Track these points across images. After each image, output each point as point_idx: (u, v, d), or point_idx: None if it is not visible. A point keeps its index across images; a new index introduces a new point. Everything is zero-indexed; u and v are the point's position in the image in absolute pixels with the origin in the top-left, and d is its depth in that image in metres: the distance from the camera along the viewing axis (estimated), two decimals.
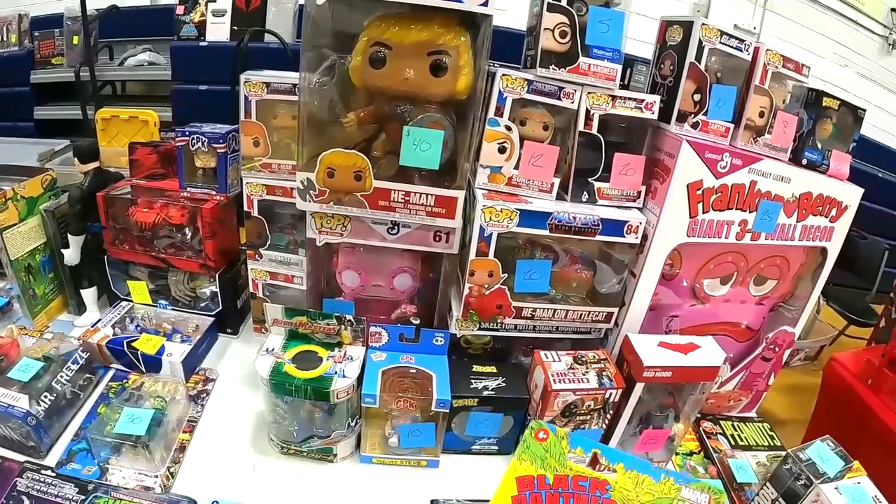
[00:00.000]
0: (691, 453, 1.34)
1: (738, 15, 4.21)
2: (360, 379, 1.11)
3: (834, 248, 1.33)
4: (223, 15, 2.98)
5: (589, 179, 1.16)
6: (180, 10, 3.06)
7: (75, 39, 3.57)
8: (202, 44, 3.06)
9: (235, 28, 2.96)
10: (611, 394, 1.13)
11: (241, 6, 2.95)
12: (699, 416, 1.43)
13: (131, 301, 1.46)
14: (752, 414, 1.53)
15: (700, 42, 1.12)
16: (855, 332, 3.47)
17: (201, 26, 3.03)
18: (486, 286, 1.15)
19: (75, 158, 1.39)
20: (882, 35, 4.83)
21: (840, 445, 1.17)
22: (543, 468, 0.91)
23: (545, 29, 1.06)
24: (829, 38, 4.63)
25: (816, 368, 2.22)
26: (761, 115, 1.22)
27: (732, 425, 1.44)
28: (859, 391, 1.92)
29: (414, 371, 1.14)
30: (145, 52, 3.69)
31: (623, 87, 1.15)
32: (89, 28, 3.19)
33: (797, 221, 1.25)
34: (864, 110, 1.36)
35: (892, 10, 4.72)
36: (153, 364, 1.29)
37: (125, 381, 1.28)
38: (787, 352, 1.43)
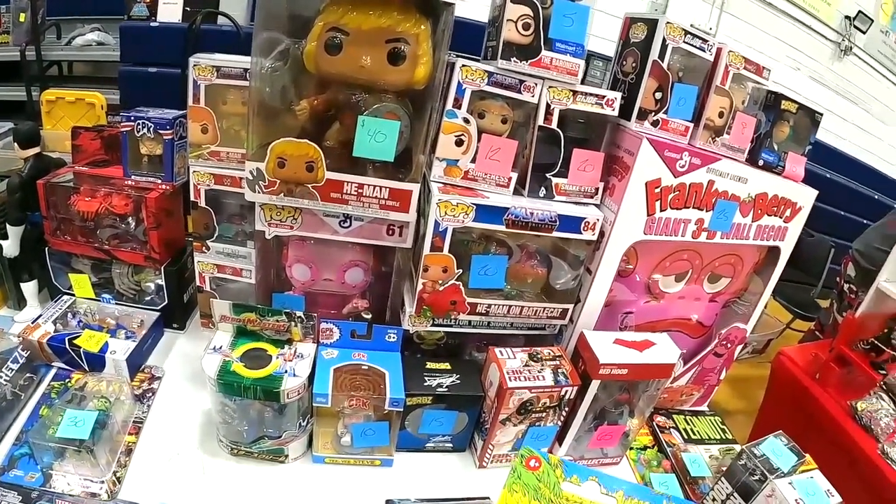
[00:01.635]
0: (645, 448, 1.35)
1: (695, 16, 4.28)
2: (311, 377, 1.07)
3: (787, 247, 1.35)
4: None
5: (547, 175, 1.14)
6: None
7: (22, 16, 3.40)
8: (153, 24, 2.93)
9: (188, 9, 2.86)
10: (567, 391, 1.12)
11: None
12: (652, 410, 1.44)
13: (73, 295, 1.38)
14: (704, 408, 1.55)
15: (664, 40, 1.11)
16: (801, 325, 3.61)
17: (153, 6, 2.92)
18: (441, 282, 1.13)
19: (15, 143, 1.31)
20: (835, 41, 4.98)
21: (792, 440, 1.18)
22: (537, 499, 0.87)
23: (508, 20, 1.04)
24: (783, 41, 4.75)
25: (763, 361, 2.29)
26: (721, 115, 1.22)
27: (685, 419, 1.45)
28: (806, 384, 1.97)
29: (366, 369, 1.11)
30: (94, 31, 3.54)
31: (583, 82, 1.14)
32: (37, 5, 3.05)
33: (752, 221, 1.26)
34: (821, 114, 1.39)
35: (846, 17, 4.87)
36: (96, 362, 1.23)
37: (68, 380, 1.21)
38: (739, 347, 1.45)
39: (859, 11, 4.87)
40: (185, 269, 1.42)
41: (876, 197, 5.13)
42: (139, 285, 1.42)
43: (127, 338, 1.30)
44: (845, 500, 1.69)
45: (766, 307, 3.43)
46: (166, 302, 1.39)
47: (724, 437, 1.44)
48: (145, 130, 1.28)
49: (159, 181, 1.32)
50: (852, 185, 5.16)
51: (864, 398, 1.84)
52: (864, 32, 4.98)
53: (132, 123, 1.27)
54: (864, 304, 1.89)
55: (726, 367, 1.47)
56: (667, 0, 4.13)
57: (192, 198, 1.27)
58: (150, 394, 1.24)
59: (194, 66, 1.17)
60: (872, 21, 4.96)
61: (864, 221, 3.16)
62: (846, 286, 2.85)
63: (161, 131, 1.28)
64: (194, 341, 1.41)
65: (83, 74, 3.87)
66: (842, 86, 5.21)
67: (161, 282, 1.37)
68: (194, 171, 1.24)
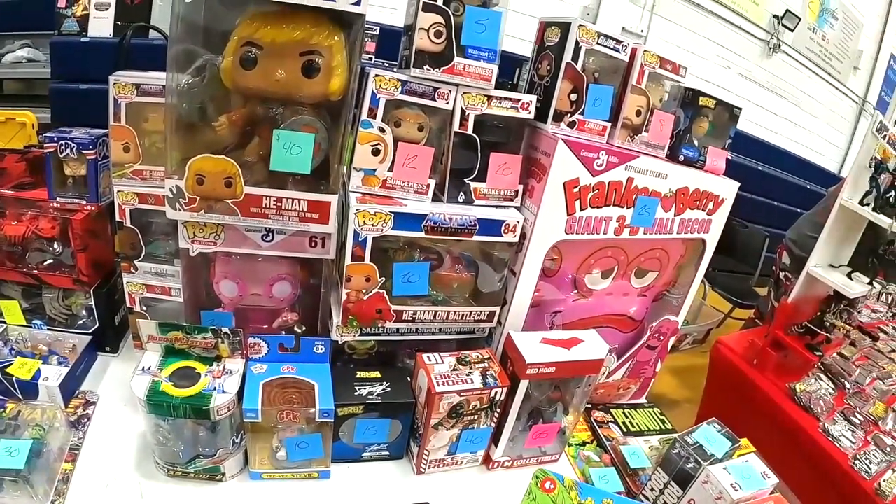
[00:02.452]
0: (584, 443, 1.37)
1: (627, 18, 4.37)
2: (241, 393, 1.07)
3: (712, 238, 1.38)
4: (106, 9, 2.80)
5: (465, 180, 1.15)
6: (62, 2, 2.84)
7: None
8: (83, 39, 2.86)
9: (119, 23, 2.79)
10: (496, 392, 1.13)
11: (125, 0, 2.80)
12: (590, 405, 1.47)
13: (4, 322, 1.35)
14: (643, 400, 1.57)
15: (577, 43, 1.13)
16: (740, 314, 3.71)
17: (83, 20, 2.83)
18: (364, 291, 1.13)
19: None
20: (764, 39, 5.15)
21: (727, 426, 1.21)
22: None
23: (420, 29, 1.05)
24: (714, 41, 4.91)
25: (705, 351, 2.34)
26: (638, 113, 1.25)
27: (623, 413, 1.48)
28: (745, 371, 2.03)
29: (296, 381, 1.11)
30: (24, 48, 3.41)
31: (512, 86, 1.15)
32: None
33: (675, 215, 1.30)
34: (740, 109, 1.42)
35: (774, 16, 5.04)
36: (30, 390, 1.19)
37: (1, 410, 1.18)
38: (673, 338, 1.48)
39: (787, 10, 5.05)
40: (115, 291, 1.39)
41: (808, 186, 5.37)
42: (70, 309, 1.39)
43: (59, 363, 1.27)
44: (791, 480, 1.75)
45: (705, 298, 3.55)
46: (97, 325, 1.36)
47: (663, 427, 1.47)
48: (68, 151, 1.25)
49: (84, 202, 1.30)
50: (784, 177, 5.39)
51: (802, 380, 1.90)
52: (791, 30, 5.16)
53: (55, 144, 1.24)
54: (796, 289, 1.95)
55: (661, 359, 1.50)
56: (598, 4, 4.21)
57: (117, 218, 1.25)
58: (86, 419, 1.22)
59: (114, 84, 1.16)
60: (800, 19, 5.14)
61: (798, 210, 3.29)
62: (782, 274, 2.94)
63: (84, 151, 1.25)
64: (128, 364, 1.37)
65: (14, 92, 3.70)
66: (772, 82, 5.40)
67: (91, 304, 1.34)
68: (118, 191, 1.22)
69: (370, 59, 3.11)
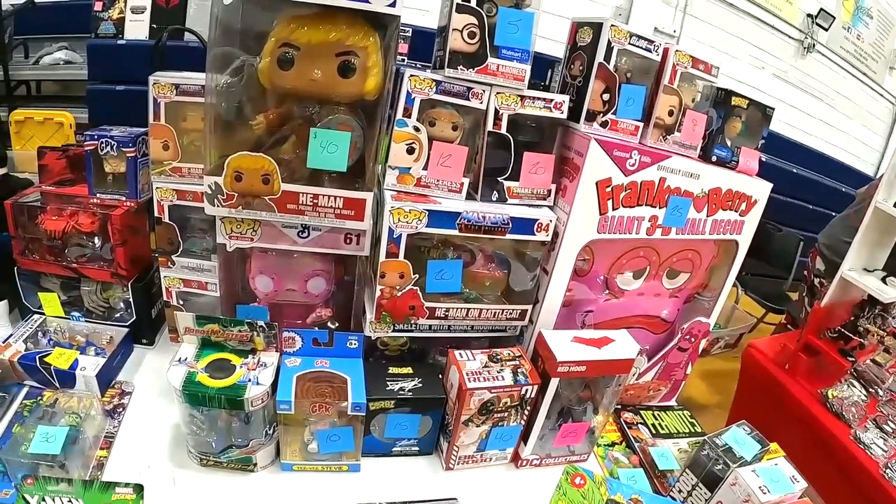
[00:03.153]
0: (613, 444, 1.37)
1: (659, 18, 4.33)
2: (274, 385, 1.09)
3: (745, 240, 1.37)
4: (142, 12, 2.85)
5: (499, 179, 1.16)
6: (98, 6, 2.90)
7: None
8: (120, 42, 2.93)
9: (154, 26, 2.83)
10: (527, 390, 1.14)
11: (160, 3, 2.83)
12: (620, 407, 1.47)
13: (44, 314, 1.39)
14: (673, 402, 1.56)
15: (609, 43, 1.13)
16: (773, 319, 3.65)
17: (120, 23, 2.89)
18: (398, 287, 1.15)
19: None
20: (797, 39, 5.06)
21: (756, 429, 1.20)
22: None
23: (454, 30, 1.06)
24: (746, 41, 4.82)
25: (736, 355, 2.32)
26: (670, 113, 1.25)
27: (653, 414, 1.47)
28: (777, 375, 2.00)
29: (329, 375, 1.13)
30: (61, 50, 3.50)
31: (544, 87, 1.16)
32: (4, 24, 3.03)
33: (707, 216, 1.29)
34: (773, 109, 1.40)
35: (808, 15, 4.95)
36: (67, 379, 1.24)
37: (39, 398, 1.22)
38: (704, 341, 1.47)
39: (821, 9, 4.95)
40: (153, 285, 1.43)
41: (843, 189, 5.23)
42: (108, 302, 1.42)
43: (97, 354, 1.31)
44: (820, 487, 1.72)
45: (737, 303, 3.50)
46: (134, 318, 1.40)
47: (693, 430, 1.46)
48: (109, 149, 1.29)
49: (124, 198, 1.34)
50: (819, 179, 5.27)
51: (834, 386, 1.87)
52: (826, 30, 5.06)
53: (96, 142, 1.28)
54: (829, 294, 1.92)
55: (692, 362, 1.49)
56: (630, 4, 4.18)
57: (156, 214, 1.28)
58: (121, 409, 1.25)
59: (154, 84, 1.19)
60: (834, 18, 5.04)
61: (833, 214, 3.23)
62: (816, 280, 2.89)
63: (124, 149, 1.29)
64: (163, 356, 1.41)
65: (52, 94, 3.82)
66: (806, 82, 5.30)
67: (129, 298, 1.38)
68: (157, 188, 1.25)
69: (403, 60, 3.12)
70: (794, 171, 4.99)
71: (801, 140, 5.35)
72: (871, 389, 1.95)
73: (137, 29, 2.86)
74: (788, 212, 4.38)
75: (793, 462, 1.17)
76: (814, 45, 5.09)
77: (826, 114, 5.56)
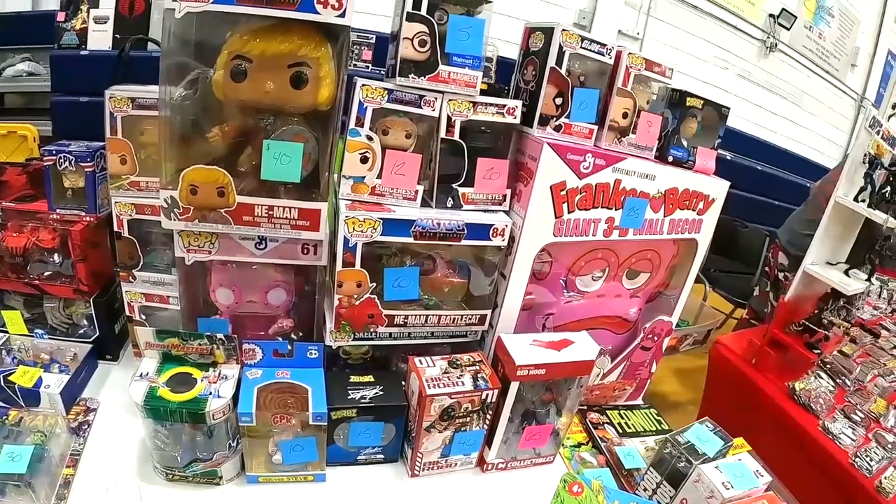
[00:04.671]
0: (579, 444, 1.38)
1: (622, 21, 4.37)
2: (236, 398, 1.09)
3: (704, 239, 1.39)
4: (105, 22, 2.81)
5: (453, 185, 1.17)
6: (61, 16, 2.85)
7: None
8: (83, 53, 2.87)
9: (118, 36, 2.80)
10: (487, 395, 1.14)
11: (124, 13, 2.80)
12: (586, 407, 1.48)
13: (7, 332, 1.37)
14: (639, 401, 1.58)
15: (561, 47, 1.14)
16: (741, 314, 3.67)
17: (83, 34, 2.83)
18: (356, 296, 1.15)
19: None
20: (760, 39, 5.15)
21: (724, 425, 1.21)
22: None
23: (404, 38, 1.07)
24: (710, 42, 4.90)
25: (706, 352, 2.34)
26: (625, 115, 1.26)
27: (619, 414, 1.48)
28: (744, 370, 2.02)
29: (290, 386, 1.13)
30: (24, 61, 3.45)
31: (509, 92, 1.17)
32: None
33: (665, 216, 1.31)
34: (729, 108, 1.42)
35: (770, 15, 5.04)
36: (31, 397, 1.22)
37: (4, 417, 1.20)
38: (668, 338, 1.48)
39: (783, 9, 5.04)
40: (115, 300, 1.41)
41: (808, 185, 5.29)
42: (71, 318, 1.41)
43: (61, 371, 1.30)
44: (791, 479, 1.74)
45: (705, 299, 3.54)
46: (98, 334, 1.39)
47: (660, 428, 1.47)
48: (67, 164, 1.28)
49: (84, 213, 1.33)
50: (785, 176, 5.35)
51: (801, 378, 1.90)
52: (788, 29, 5.16)
53: (54, 157, 1.28)
54: (793, 288, 1.95)
55: (656, 360, 1.51)
56: (594, 8, 4.22)
57: (115, 228, 1.28)
58: (86, 426, 1.24)
59: (110, 98, 1.18)
60: (796, 18, 5.14)
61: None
62: (780, 274, 2.94)
63: (82, 164, 1.28)
64: (128, 371, 1.37)
65: (15, 106, 3.72)
66: (770, 81, 5.40)
67: (92, 313, 1.37)
68: (116, 202, 1.24)
69: (367, 67, 3.13)
70: (760, 168, 5.08)
71: (766, 138, 5.45)
72: (838, 380, 1.98)
73: (101, 39, 2.81)
74: (755, 208, 4.44)
75: (762, 456, 1.19)
76: (776, 45, 5.20)
77: (790, 112, 5.68)
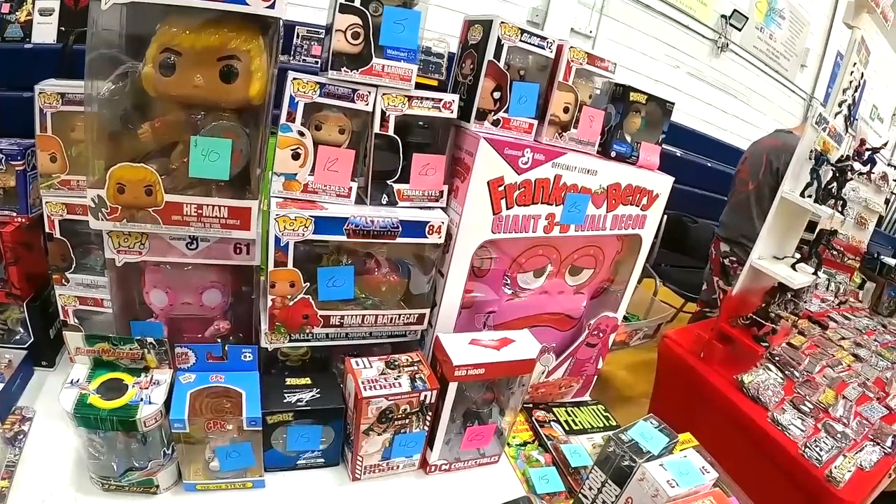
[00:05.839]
0: (525, 443, 1.36)
1: (575, 19, 4.40)
2: (169, 403, 1.05)
3: (648, 234, 1.39)
4: (50, 14, 2.72)
5: (388, 182, 1.15)
6: (6, 8, 2.73)
7: None
8: (27, 46, 2.76)
9: (63, 28, 2.71)
10: (426, 396, 1.13)
11: (69, 4, 2.69)
12: (531, 405, 1.47)
13: None
14: (587, 398, 1.58)
15: (499, 40, 1.13)
16: (692, 308, 3.77)
17: (27, 26, 2.74)
18: (290, 297, 1.12)
19: None
20: (712, 39, 5.24)
21: (672, 420, 1.20)
22: None
23: (337, 30, 1.04)
24: (662, 41, 4.96)
25: (656, 345, 2.36)
26: (566, 110, 1.25)
27: (566, 411, 1.48)
28: (693, 364, 2.04)
29: (224, 390, 1.10)
30: None
31: None
32: None
33: (607, 212, 1.30)
34: (673, 103, 1.42)
35: (722, 16, 5.13)
36: None
37: None
38: (614, 334, 1.48)
39: (734, 10, 5.14)
40: (49, 304, 1.36)
41: None
42: (6, 324, 1.36)
43: None
44: (742, 471, 1.76)
45: (656, 293, 3.61)
46: (32, 339, 1.34)
47: (607, 424, 1.47)
48: None
49: (15, 214, 1.27)
50: (734, 172, 5.46)
51: (749, 371, 1.92)
52: (739, 30, 5.26)
53: None
54: (741, 282, 1.97)
55: (602, 357, 1.51)
56: (547, 5, 4.23)
57: (46, 229, 1.23)
58: (22, 435, 1.19)
59: (39, 93, 1.15)
60: (747, 19, 5.23)
61: None
62: (726, 260, 3.03)
63: (12, 162, 1.23)
64: (64, 378, 1.36)
65: None
66: (721, 80, 5.50)
67: (25, 318, 1.32)
68: (46, 202, 1.20)
69: (316, 62, 3.08)
70: (710, 164, 5.20)
71: (716, 135, 5.57)
72: (787, 372, 2.02)
73: (45, 32, 2.72)
74: (704, 204, 4.56)
75: (712, 449, 1.18)
76: (727, 45, 5.29)
77: (740, 110, 5.80)
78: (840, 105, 2.04)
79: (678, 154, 4.76)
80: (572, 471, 1.30)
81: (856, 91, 2.12)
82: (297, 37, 3.50)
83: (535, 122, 1.22)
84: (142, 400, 1.04)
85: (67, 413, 1.01)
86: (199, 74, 0.99)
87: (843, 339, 2.50)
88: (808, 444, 1.75)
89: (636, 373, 3.32)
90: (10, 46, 2.80)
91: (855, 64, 2.01)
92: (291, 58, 3.49)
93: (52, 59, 2.50)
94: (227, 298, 1.22)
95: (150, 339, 1.09)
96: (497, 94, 1.17)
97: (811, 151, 1.86)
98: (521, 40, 1.15)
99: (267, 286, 1.12)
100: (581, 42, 4.41)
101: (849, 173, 1.98)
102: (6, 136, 1.32)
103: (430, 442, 1.21)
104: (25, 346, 1.34)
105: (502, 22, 1.12)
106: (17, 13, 2.78)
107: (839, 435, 1.82)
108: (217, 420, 1.06)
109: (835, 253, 2.95)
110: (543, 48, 1.19)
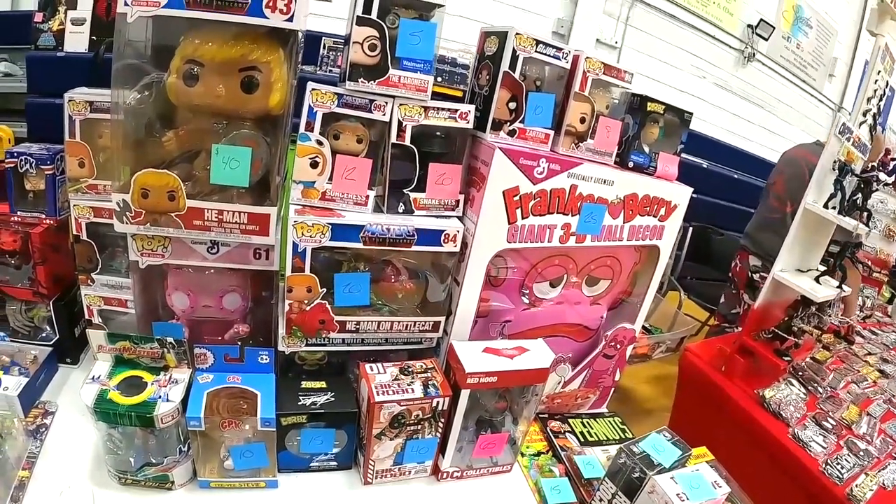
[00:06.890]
0: (539, 454, 1.36)
1: (601, 30, 4.40)
2: (186, 402, 1.08)
3: (666, 245, 1.38)
4: (82, 24, 2.80)
5: (405, 190, 1.16)
6: (39, 17, 2.82)
7: None
8: (59, 54, 2.82)
9: (94, 38, 2.79)
10: (438, 402, 1.14)
11: (101, 15, 2.78)
12: (547, 415, 1.47)
13: None
14: (603, 409, 1.57)
15: (514, 51, 1.14)
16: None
17: (60, 35, 2.80)
18: (307, 301, 1.15)
19: None
20: (738, 49, 5.20)
21: (691, 434, 1.20)
22: None
23: (354, 42, 1.07)
24: (688, 51, 4.94)
25: (678, 359, 2.33)
26: (582, 120, 1.25)
27: (582, 422, 1.47)
28: (714, 378, 2.01)
29: (241, 391, 1.12)
30: (1, 62, 3.46)
31: None
32: None
33: (624, 222, 1.30)
34: (691, 113, 1.41)
35: (748, 25, 5.09)
36: None
37: None
38: (632, 346, 1.47)
39: (761, 20, 5.09)
40: (75, 303, 1.41)
41: None
42: (33, 321, 1.41)
43: (20, 374, 1.29)
44: (762, 488, 1.73)
45: (680, 307, 3.56)
46: (57, 337, 1.38)
47: (623, 436, 1.46)
48: (28, 166, 1.28)
49: (44, 216, 1.33)
50: (759, 184, 5.36)
51: (771, 386, 1.89)
52: (766, 39, 5.21)
53: (16, 160, 1.28)
54: (763, 295, 1.94)
55: (620, 368, 1.50)
56: (573, 17, 4.23)
57: (73, 231, 1.27)
58: (44, 429, 1.23)
59: (68, 101, 1.19)
60: (774, 28, 5.18)
61: None
62: (756, 275, 2.95)
63: (42, 167, 1.28)
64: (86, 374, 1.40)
65: None
66: (747, 91, 5.44)
67: (52, 316, 1.36)
68: (74, 205, 1.25)
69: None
70: (736, 176, 5.09)
71: (742, 146, 5.48)
72: (809, 387, 1.98)
73: (77, 41, 2.78)
74: (729, 216, 4.48)
75: (731, 464, 1.17)
76: (754, 55, 5.25)
77: (767, 120, 5.72)
78: (864, 114, 2.00)
79: (704, 165, 4.70)
80: (585, 482, 1.30)
81: (881, 100, 2.07)
82: (324, 48, 3.55)
83: (552, 133, 1.23)
84: (160, 397, 1.07)
85: (88, 407, 1.05)
86: (221, 85, 1.02)
87: (870, 354, 2.44)
88: (829, 461, 1.72)
89: (658, 386, 3.30)
90: (43, 55, 2.87)
91: (879, 72, 1.96)
92: (318, 68, 3.53)
93: (84, 68, 2.56)
94: (247, 303, 1.25)
95: (169, 339, 1.12)
96: (513, 105, 1.18)
97: (834, 162, 1.83)
98: (536, 51, 1.16)
99: (284, 291, 1.14)
100: (607, 53, 4.38)
101: (874, 184, 1.93)
102: (40, 140, 1.38)
103: (442, 448, 1.22)
104: (51, 343, 1.38)
105: (517, 33, 1.13)
106: (49, 22, 2.86)
107: (862, 453, 1.78)
108: (232, 420, 1.08)
109: (861, 266, 2.89)
110: (559, 59, 1.20)
